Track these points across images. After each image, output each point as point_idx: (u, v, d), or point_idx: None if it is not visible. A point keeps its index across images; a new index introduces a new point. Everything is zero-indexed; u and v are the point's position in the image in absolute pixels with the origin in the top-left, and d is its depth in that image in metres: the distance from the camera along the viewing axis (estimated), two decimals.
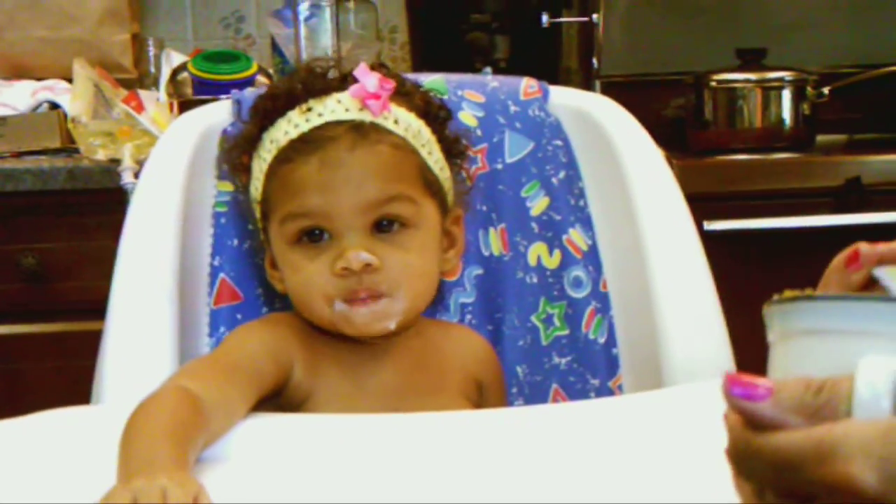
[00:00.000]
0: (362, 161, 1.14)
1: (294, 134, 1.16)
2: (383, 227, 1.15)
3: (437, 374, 1.22)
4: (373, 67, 1.19)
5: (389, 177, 1.15)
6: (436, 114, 1.23)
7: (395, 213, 1.15)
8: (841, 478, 0.54)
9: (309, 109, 1.17)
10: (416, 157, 1.18)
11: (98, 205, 2.06)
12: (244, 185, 1.25)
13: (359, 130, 1.15)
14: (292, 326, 1.19)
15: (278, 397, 1.14)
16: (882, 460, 0.54)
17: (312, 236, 1.15)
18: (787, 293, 0.63)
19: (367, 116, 1.16)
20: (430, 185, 1.19)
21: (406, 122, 1.18)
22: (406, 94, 1.21)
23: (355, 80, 1.17)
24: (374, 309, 1.13)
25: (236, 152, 1.24)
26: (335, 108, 1.17)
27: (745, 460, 0.59)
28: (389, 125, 1.17)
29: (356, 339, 1.17)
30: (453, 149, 1.25)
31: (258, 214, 1.22)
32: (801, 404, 0.57)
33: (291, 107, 1.18)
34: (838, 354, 0.59)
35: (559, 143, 1.38)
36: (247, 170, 1.23)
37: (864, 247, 0.84)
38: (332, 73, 1.21)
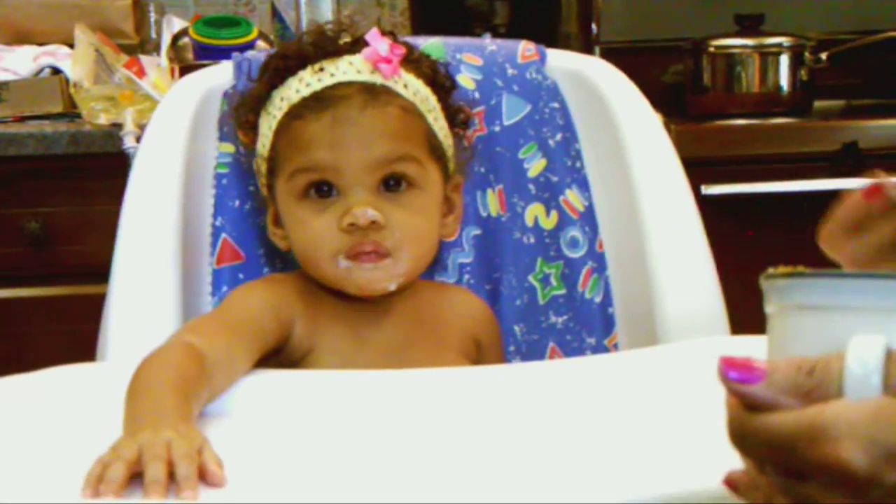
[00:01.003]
0: (373, 120, 1.16)
1: (306, 92, 1.18)
2: (390, 185, 1.17)
3: (435, 331, 1.24)
4: (382, 34, 1.21)
5: (398, 137, 1.17)
6: (442, 82, 1.26)
7: (402, 172, 1.17)
8: (831, 459, 0.56)
9: (321, 69, 1.19)
10: (422, 121, 1.20)
11: (100, 169, 2.07)
12: (250, 143, 1.27)
13: (370, 91, 1.17)
14: (293, 285, 1.21)
15: (279, 354, 1.16)
16: (870, 442, 0.55)
17: (321, 191, 1.17)
18: (782, 268, 0.65)
19: (378, 79, 1.18)
20: (435, 149, 1.22)
21: (414, 88, 1.21)
22: (415, 62, 1.23)
23: (366, 44, 1.19)
24: (377, 266, 1.15)
25: (244, 110, 1.25)
26: (347, 69, 1.19)
27: (742, 440, 0.61)
28: (399, 89, 1.19)
29: (356, 297, 1.19)
30: (456, 118, 1.27)
31: (264, 170, 1.23)
32: (794, 385, 0.59)
33: (303, 67, 1.20)
34: (830, 330, 0.60)
35: (556, 105, 1.39)
36: (253, 127, 1.24)
37: (885, 178, 0.86)
38: (344, 37, 1.23)
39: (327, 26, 1.25)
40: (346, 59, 1.20)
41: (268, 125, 1.21)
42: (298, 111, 1.18)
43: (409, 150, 1.18)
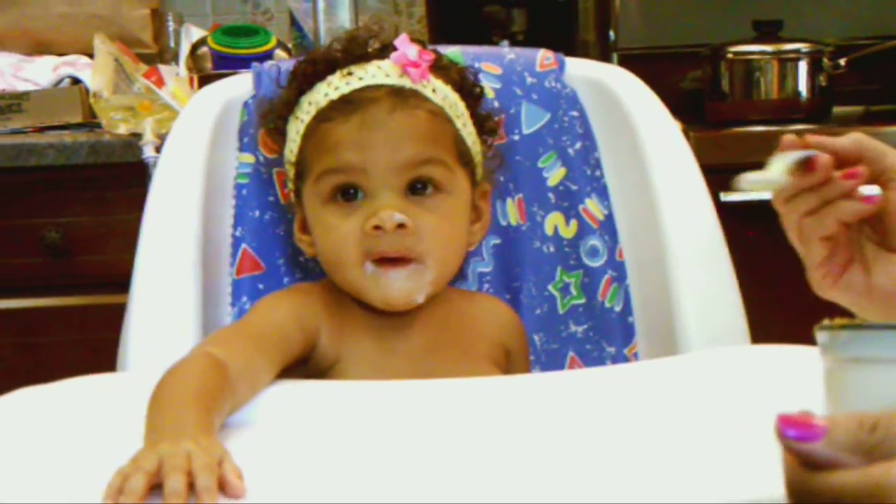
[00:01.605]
0: (401, 123, 1.16)
1: (335, 95, 1.18)
2: (417, 189, 1.16)
3: (463, 339, 1.24)
4: (412, 40, 1.21)
5: (426, 140, 1.17)
6: (470, 89, 1.26)
7: (429, 176, 1.17)
8: None
9: (350, 73, 1.19)
10: (451, 126, 1.20)
11: (119, 179, 2.07)
12: (277, 150, 1.27)
13: (399, 95, 1.18)
14: (318, 295, 1.20)
15: (305, 364, 1.16)
16: None
17: (347, 195, 1.16)
18: (838, 319, 0.63)
19: (406, 83, 1.18)
20: (463, 155, 1.21)
21: (443, 93, 1.21)
22: (443, 68, 1.24)
23: (395, 49, 1.20)
24: (405, 276, 1.15)
25: (273, 115, 1.25)
26: (376, 73, 1.19)
27: (803, 500, 0.59)
28: (428, 93, 1.19)
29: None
30: (485, 125, 1.27)
31: (292, 175, 1.23)
32: (855, 442, 0.57)
33: (331, 72, 1.20)
34: (890, 384, 0.59)
35: (575, 113, 1.39)
36: (282, 134, 1.24)
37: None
38: (373, 43, 1.23)
39: (358, 32, 1.25)
40: (375, 63, 1.20)
41: (296, 130, 1.21)
42: (327, 114, 1.18)
43: (436, 153, 1.17)
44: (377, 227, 1.13)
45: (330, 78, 1.20)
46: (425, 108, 1.18)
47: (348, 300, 1.20)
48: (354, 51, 1.21)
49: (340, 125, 1.17)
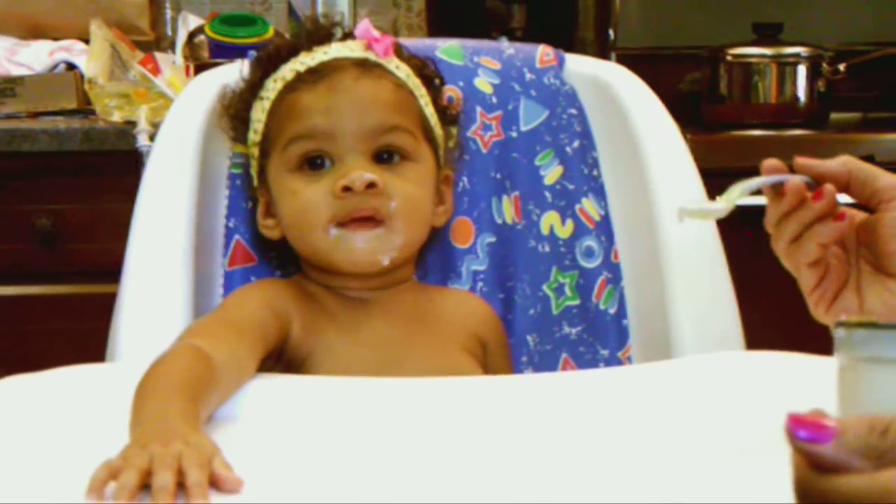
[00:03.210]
0: (367, 90, 1.19)
1: (301, 69, 1.21)
2: (383, 158, 1.18)
3: (434, 328, 1.24)
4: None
5: (392, 108, 1.20)
6: (431, 77, 1.29)
7: (396, 145, 1.19)
8: None
9: (314, 51, 1.22)
10: (415, 101, 1.23)
11: (113, 167, 2.06)
12: (241, 137, 1.27)
13: (364, 65, 1.21)
14: (288, 287, 1.21)
15: (280, 358, 1.15)
16: None
17: (314, 164, 1.18)
18: (855, 318, 0.63)
19: (371, 56, 1.22)
20: (427, 131, 1.23)
21: (406, 72, 1.24)
22: (404, 57, 1.27)
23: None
24: (371, 236, 1.16)
25: (238, 102, 1.26)
26: (340, 48, 1.22)
27: (810, 502, 0.58)
28: (391, 68, 1.22)
29: (351, 284, 1.20)
30: (446, 113, 1.29)
31: (256, 154, 1.24)
32: (865, 446, 0.57)
33: (296, 53, 1.23)
34: None
35: (574, 111, 1.38)
36: (244, 123, 1.25)
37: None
38: (336, 32, 1.25)
39: (322, 20, 1.28)
40: (340, 43, 1.23)
41: (261, 108, 1.23)
42: (293, 85, 1.21)
43: (402, 121, 1.20)
44: (346, 189, 1.14)
45: (295, 57, 1.23)
46: (390, 79, 1.22)
47: (319, 291, 1.21)
48: (317, 36, 1.25)
49: (307, 93, 1.19)
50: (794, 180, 0.93)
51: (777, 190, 0.94)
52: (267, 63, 1.25)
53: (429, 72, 1.28)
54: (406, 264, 1.25)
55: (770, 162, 0.95)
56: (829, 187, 0.93)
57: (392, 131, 1.18)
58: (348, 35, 1.25)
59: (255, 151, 1.24)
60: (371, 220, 1.16)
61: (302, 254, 1.22)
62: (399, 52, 1.26)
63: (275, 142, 1.21)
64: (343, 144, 1.17)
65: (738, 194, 0.93)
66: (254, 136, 1.24)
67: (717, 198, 0.94)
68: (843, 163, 0.95)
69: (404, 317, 1.22)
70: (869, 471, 0.56)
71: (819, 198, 0.93)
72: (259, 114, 1.23)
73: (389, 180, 1.16)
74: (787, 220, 0.95)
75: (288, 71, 1.22)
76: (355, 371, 1.14)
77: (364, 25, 1.23)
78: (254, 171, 1.26)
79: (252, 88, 1.25)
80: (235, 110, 1.27)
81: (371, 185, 1.14)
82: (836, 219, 0.94)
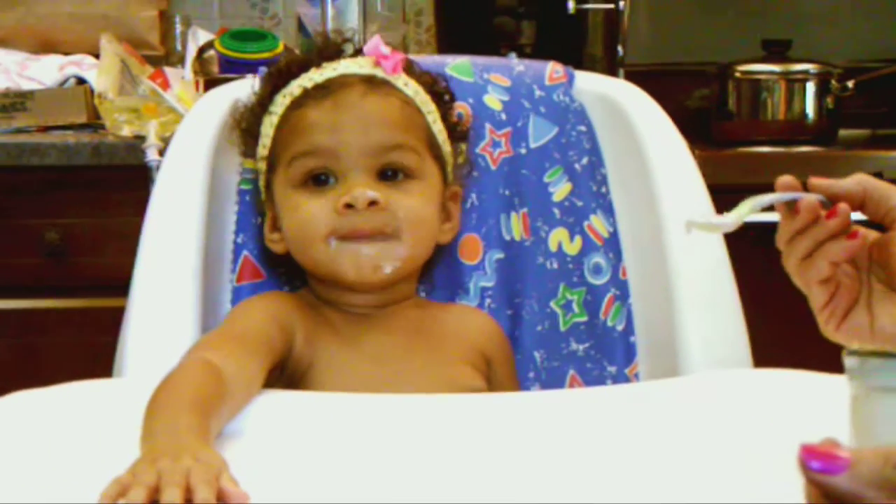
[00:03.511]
0: (373, 107, 1.19)
1: (309, 85, 1.21)
2: (388, 176, 1.18)
3: (437, 342, 1.24)
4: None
5: (398, 126, 1.20)
6: (441, 93, 1.28)
7: (400, 163, 1.19)
8: None
9: (323, 67, 1.23)
10: (422, 118, 1.23)
11: (122, 181, 2.06)
12: (251, 152, 1.27)
13: (371, 82, 1.21)
14: (291, 301, 1.22)
15: (283, 372, 1.16)
16: None
17: (318, 181, 1.18)
18: (868, 347, 0.62)
19: (379, 73, 1.22)
20: (434, 148, 1.24)
21: (415, 89, 1.24)
22: (415, 73, 1.27)
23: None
24: (373, 244, 1.16)
25: (248, 117, 1.27)
26: (349, 65, 1.23)
27: None
28: (400, 85, 1.22)
29: (355, 301, 1.20)
30: (455, 130, 1.29)
31: (264, 168, 1.24)
32: (879, 478, 0.56)
33: (306, 69, 1.23)
34: None
35: (583, 128, 1.38)
36: (254, 137, 1.26)
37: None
38: (347, 48, 1.26)
39: (331, 37, 1.29)
40: (349, 59, 1.24)
41: (270, 123, 1.24)
42: (300, 101, 1.21)
43: (407, 139, 1.20)
44: (348, 206, 1.14)
45: (304, 74, 1.23)
46: (398, 96, 1.22)
47: (321, 305, 1.22)
48: (328, 52, 1.25)
49: (313, 109, 1.20)
50: (809, 198, 0.93)
51: (790, 207, 0.94)
52: (277, 78, 1.25)
53: (439, 88, 1.28)
54: (409, 279, 1.25)
55: (784, 179, 0.95)
56: (843, 206, 0.93)
57: (396, 149, 1.19)
58: (358, 51, 1.25)
59: (263, 166, 1.25)
60: (372, 235, 1.16)
61: (305, 267, 1.23)
62: (410, 68, 1.26)
63: (280, 157, 1.21)
64: (347, 161, 1.17)
65: (749, 210, 0.92)
66: (262, 150, 1.25)
67: (726, 213, 0.94)
68: (858, 181, 0.94)
69: (407, 331, 1.23)
70: (883, 503, 0.56)
71: (833, 216, 0.93)
72: (268, 128, 1.24)
73: (393, 196, 1.17)
74: (800, 237, 0.95)
75: (296, 87, 1.22)
76: (356, 384, 1.14)
77: (374, 42, 1.24)
78: (262, 185, 1.27)
79: (262, 103, 1.25)
80: (247, 124, 1.27)
81: (373, 203, 1.15)
82: (849, 237, 0.93)
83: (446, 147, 1.26)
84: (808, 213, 0.93)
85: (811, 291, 0.97)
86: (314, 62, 1.24)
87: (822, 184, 0.94)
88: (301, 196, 1.19)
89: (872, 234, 0.96)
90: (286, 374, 1.16)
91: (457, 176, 1.29)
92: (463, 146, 1.32)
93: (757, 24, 2.54)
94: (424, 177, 1.21)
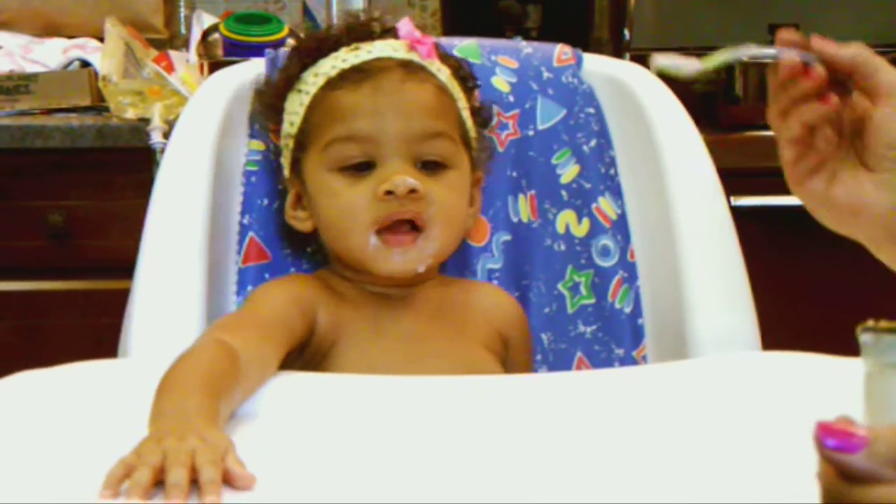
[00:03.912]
0: (412, 94, 1.18)
1: (345, 66, 1.20)
2: (426, 164, 1.18)
3: (458, 323, 1.24)
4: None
5: (436, 113, 1.19)
6: (466, 79, 1.28)
7: (439, 153, 1.18)
8: None
9: (357, 48, 1.21)
10: (455, 105, 1.23)
11: (126, 164, 2.06)
12: (274, 128, 1.26)
13: (408, 67, 1.20)
14: (314, 284, 1.21)
15: (303, 351, 1.16)
16: None
17: (356, 166, 1.17)
18: (883, 322, 0.62)
19: (415, 58, 1.21)
20: (464, 135, 1.23)
21: (447, 75, 1.23)
22: (443, 57, 1.25)
23: (397, 33, 1.22)
24: (408, 249, 1.16)
25: (272, 91, 1.26)
26: (384, 48, 1.21)
27: None
28: (434, 70, 1.22)
29: (379, 283, 1.20)
30: (479, 116, 1.28)
31: (291, 145, 1.23)
32: None
33: (335, 49, 1.22)
34: None
35: (591, 110, 1.38)
36: (278, 112, 1.25)
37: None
38: (375, 27, 1.25)
39: (360, 15, 1.28)
40: (381, 41, 1.22)
41: (299, 102, 1.22)
42: (336, 83, 1.19)
43: (445, 128, 1.20)
44: (389, 192, 1.13)
45: (336, 53, 1.21)
46: (433, 82, 1.21)
47: (343, 286, 1.21)
48: (357, 32, 1.23)
49: (351, 93, 1.18)
50: (790, 55, 0.94)
51: (773, 66, 0.96)
52: (306, 56, 1.23)
53: (465, 73, 1.28)
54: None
55: (785, 34, 0.97)
56: (818, 69, 0.95)
57: (436, 137, 1.18)
58: (387, 31, 1.24)
59: (291, 143, 1.23)
60: (409, 225, 1.16)
61: (336, 251, 1.22)
62: (439, 51, 1.25)
63: (314, 137, 1.20)
64: (387, 148, 1.16)
65: (721, 61, 0.95)
66: (289, 128, 1.23)
67: (697, 58, 0.96)
68: (852, 53, 0.96)
69: (428, 312, 1.22)
70: None
71: (807, 77, 0.94)
72: (296, 106, 1.22)
73: (430, 186, 1.16)
74: (780, 93, 0.97)
75: (330, 67, 1.20)
76: (378, 363, 1.15)
77: (407, 26, 1.22)
78: (286, 162, 1.25)
79: (289, 80, 1.24)
80: (269, 99, 1.26)
81: (413, 191, 1.14)
82: (821, 100, 0.94)
83: (473, 133, 1.25)
84: (786, 70, 0.95)
85: (781, 147, 0.99)
86: (344, 42, 1.22)
87: (820, 45, 0.96)
88: (338, 181, 1.17)
89: (863, 105, 0.97)
90: (308, 353, 1.16)
91: (477, 161, 1.29)
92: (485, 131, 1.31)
93: (763, 8, 2.53)
94: (458, 165, 1.20)
